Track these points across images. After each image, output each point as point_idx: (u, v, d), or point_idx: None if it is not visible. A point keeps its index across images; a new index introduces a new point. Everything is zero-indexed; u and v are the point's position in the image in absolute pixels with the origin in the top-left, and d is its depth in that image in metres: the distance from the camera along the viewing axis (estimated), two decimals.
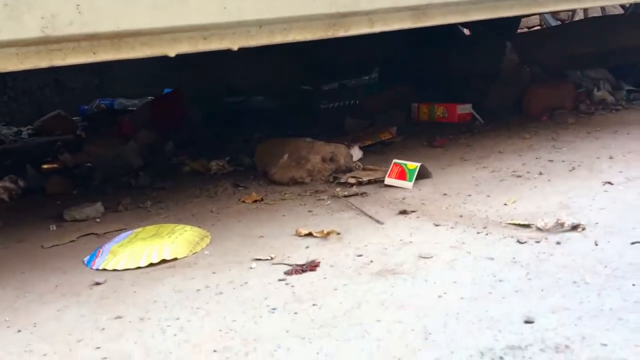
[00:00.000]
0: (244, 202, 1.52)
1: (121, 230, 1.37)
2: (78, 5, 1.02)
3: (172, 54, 1.17)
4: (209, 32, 1.18)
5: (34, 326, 0.94)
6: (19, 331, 0.93)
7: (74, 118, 2.98)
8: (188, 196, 1.62)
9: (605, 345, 0.73)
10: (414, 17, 1.36)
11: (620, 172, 1.42)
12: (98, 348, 0.86)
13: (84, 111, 3.09)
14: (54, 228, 1.46)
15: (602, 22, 2.50)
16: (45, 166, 2.12)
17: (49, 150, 2.36)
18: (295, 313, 0.90)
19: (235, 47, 1.22)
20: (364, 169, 1.65)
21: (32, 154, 2.28)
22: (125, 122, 2.37)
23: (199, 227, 1.32)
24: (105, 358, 0.83)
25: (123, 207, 1.57)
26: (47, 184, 1.82)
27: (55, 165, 2.13)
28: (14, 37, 1.00)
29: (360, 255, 1.09)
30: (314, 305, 0.92)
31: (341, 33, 1.30)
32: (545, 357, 0.72)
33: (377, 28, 1.34)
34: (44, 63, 1.07)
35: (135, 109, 2.84)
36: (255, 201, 1.51)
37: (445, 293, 0.91)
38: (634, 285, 0.88)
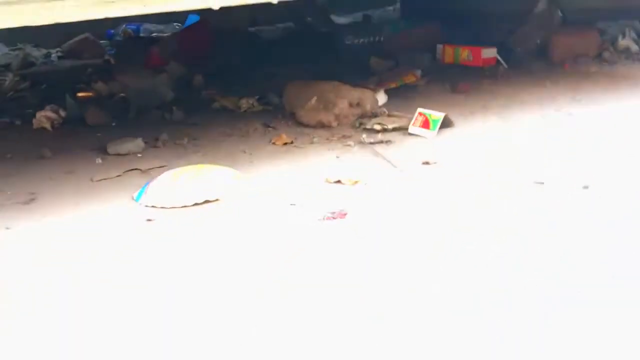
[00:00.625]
0: (274, 143, 1.61)
1: (162, 167, 1.48)
2: None
3: (216, 7, 1.22)
4: None
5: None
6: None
7: (101, 41, 3.02)
8: (221, 134, 1.72)
9: None
10: None
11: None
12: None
13: (111, 35, 3.12)
14: (100, 161, 1.57)
15: None
16: (80, 94, 2.21)
17: (80, 75, 2.43)
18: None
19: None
20: (389, 115, 1.73)
21: (65, 80, 2.35)
22: (155, 53, 2.43)
23: (234, 167, 1.42)
24: None
25: (161, 143, 1.67)
26: (86, 114, 1.92)
27: (91, 94, 2.22)
28: None
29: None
30: None
31: None
32: None
33: None
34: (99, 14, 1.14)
35: (162, 37, 2.88)
36: (285, 144, 1.60)
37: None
38: None
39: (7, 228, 1.22)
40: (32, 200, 1.35)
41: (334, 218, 1.16)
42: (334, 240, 1.08)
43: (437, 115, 1.57)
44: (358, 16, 3.34)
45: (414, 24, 2.49)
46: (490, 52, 2.18)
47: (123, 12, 1.15)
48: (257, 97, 1.96)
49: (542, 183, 1.23)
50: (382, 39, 2.52)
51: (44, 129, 1.88)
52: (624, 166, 1.30)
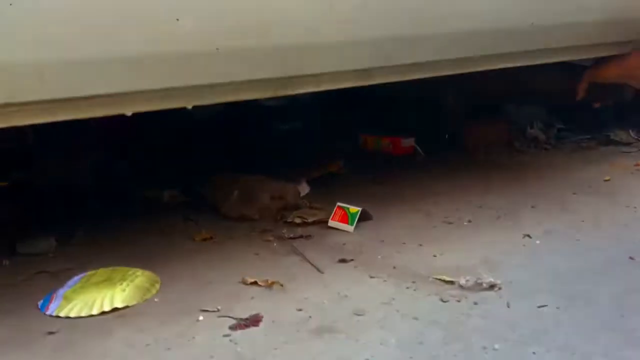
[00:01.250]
0: (194, 239, 1.60)
1: (74, 269, 1.42)
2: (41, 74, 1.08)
3: (128, 113, 1.23)
4: (165, 93, 1.25)
5: None
6: None
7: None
8: (140, 229, 1.69)
9: None
10: (358, 78, 1.46)
11: (540, 223, 1.58)
12: None
13: None
14: (7, 263, 1.50)
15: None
16: None
17: None
18: None
19: (189, 106, 1.30)
20: (310, 207, 1.76)
21: None
22: (77, 141, 2.39)
23: (150, 268, 1.39)
24: None
25: (76, 241, 1.62)
26: None
27: (5, 184, 2.14)
28: None
29: (300, 310, 1.20)
30: None
31: (289, 92, 1.40)
32: None
33: (324, 87, 1.44)
34: (2, 124, 1.12)
35: (86, 124, 2.85)
36: (205, 239, 1.59)
37: (372, 356, 1.03)
38: (534, 353, 1.01)
39: None
40: None
41: (246, 326, 1.14)
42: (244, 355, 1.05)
43: (355, 209, 1.61)
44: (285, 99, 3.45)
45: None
46: (408, 142, 2.28)
47: (32, 120, 1.14)
48: (180, 188, 1.95)
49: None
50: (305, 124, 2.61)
51: None
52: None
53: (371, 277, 1.32)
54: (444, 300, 1.20)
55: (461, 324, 1.11)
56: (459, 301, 1.19)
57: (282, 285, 1.30)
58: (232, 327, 1.14)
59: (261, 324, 1.15)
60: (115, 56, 1.14)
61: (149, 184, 1.99)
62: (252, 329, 1.13)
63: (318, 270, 1.37)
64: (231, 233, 1.63)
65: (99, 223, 1.74)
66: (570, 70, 2.02)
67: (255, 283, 1.31)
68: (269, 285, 1.30)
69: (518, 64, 1.73)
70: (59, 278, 1.39)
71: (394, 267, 1.37)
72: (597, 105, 2.11)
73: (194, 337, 1.11)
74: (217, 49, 1.21)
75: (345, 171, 2.10)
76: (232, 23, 1.21)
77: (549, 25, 1.66)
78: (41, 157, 2.30)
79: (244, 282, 1.32)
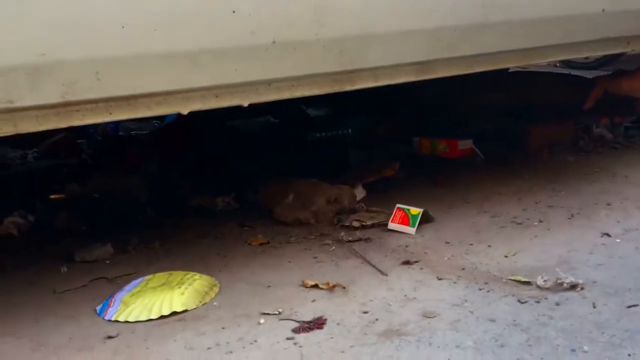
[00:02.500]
0: (250, 244, 1.55)
1: (131, 275, 1.40)
2: (97, 72, 1.06)
3: (185, 112, 1.21)
4: (220, 90, 1.22)
5: None
6: None
7: (79, 141, 3.02)
8: (195, 236, 1.66)
9: None
10: (418, 71, 1.40)
11: (618, 222, 1.46)
12: None
13: (91, 134, 3.12)
14: (65, 270, 1.49)
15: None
16: (52, 196, 2.15)
17: (55, 176, 2.39)
18: None
19: (245, 104, 1.26)
20: (367, 210, 1.69)
21: (39, 182, 2.31)
22: (132, 152, 2.41)
23: (207, 272, 1.35)
24: None
25: (131, 248, 1.60)
26: (56, 218, 1.85)
27: (63, 196, 2.17)
28: (35, 103, 1.04)
29: (366, 312, 1.13)
30: None
31: (347, 87, 1.35)
32: None
33: (382, 82, 1.38)
34: (62, 124, 1.11)
35: (140, 135, 2.88)
36: (262, 244, 1.55)
37: (449, 359, 0.95)
38: (629, 355, 0.91)
39: None
40: None
41: (309, 329, 1.08)
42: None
43: (416, 211, 1.54)
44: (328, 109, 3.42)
45: (375, 119, 2.52)
46: (466, 144, 2.19)
47: (87, 120, 1.12)
48: (233, 194, 1.92)
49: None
50: (349, 131, 2.57)
51: (11, 235, 1.81)
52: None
53: (439, 278, 1.24)
54: (522, 301, 1.11)
55: (544, 326, 1.02)
56: (538, 302, 1.10)
57: (344, 287, 1.23)
58: (295, 330, 1.08)
59: (325, 327, 1.08)
60: (170, 52, 1.11)
61: (202, 192, 1.97)
62: (316, 332, 1.07)
63: (381, 272, 1.30)
64: (287, 237, 1.58)
65: (154, 230, 1.73)
66: (575, 81, 1.95)
67: (316, 286, 1.25)
68: (331, 288, 1.24)
69: (584, 55, 1.64)
70: (116, 283, 1.37)
71: (463, 269, 1.28)
72: (604, 121, 2.07)
73: (255, 341, 1.06)
74: (274, 41, 1.17)
75: (401, 175, 2.03)
76: (288, 14, 1.17)
77: (621, 11, 1.56)
78: (96, 169, 2.33)
79: (305, 285, 1.26)
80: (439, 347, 0.99)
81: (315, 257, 1.42)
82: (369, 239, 1.51)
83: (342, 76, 1.31)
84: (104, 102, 1.12)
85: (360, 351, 0.99)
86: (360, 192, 1.82)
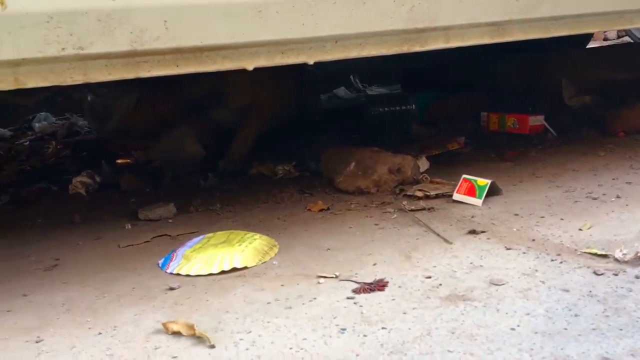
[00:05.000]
0: (310, 210, 1.53)
1: (193, 233, 1.41)
2: (165, 21, 1.06)
3: (250, 67, 1.19)
4: (287, 47, 1.20)
5: (114, 329, 0.99)
6: (100, 333, 0.98)
7: None
8: (255, 200, 1.66)
9: None
10: (492, 33, 1.33)
11: None
12: (174, 357, 0.89)
13: None
14: (129, 227, 1.52)
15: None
16: (119, 161, 2.21)
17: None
18: (365, 335, 0.90)
19: (311, 62, 1.23)
20: (431, 182, 1.64)
21: (106, 147, 2.37)
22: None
23: (267, 234, 1.34)
24: None
25: (194, 209, 1.62)
26: (121, 180, 1.90)
27: (129, 161, 2.22)
28: (105, 50, 1.04)
29: (429, 277, 1.09)
30: (383, 328, 0.92)
31: (417, 48, 1.29)
32: None
33: (454, 43, 1.32)
34: (130, 74, 1.11)
35: None
36: (322, 210, 1.52)
37: (518, 326, 0.90)
38: None
39: (24, 295, 1.15)
40: (55, 266, 1.30)
41: (370, 290, 1.05)
42: (366, 319, 0.96)
43: (483, 182, 1.47)
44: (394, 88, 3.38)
45: (443, 95, 2.46)
46: (537, 120, 2.08)
47: (154, 72, 1.12)
48: (293, 163, 1.91)
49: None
50: (414, 107, 2.52)
51: (79, 194, 1.87)
52: None
53: (507, 248, 1.18)
54: (598, 273, 1.04)
55: (623, 297, 0.95)
56: (616, 274, 1.03)
57: (407, 255, 1.19)
58: (355, 291, 1.05)
59: (386, 289, 1.05)
60: (237, 1, 1.10)
61: (263, 159, 1.97)
62: (377, 294, 1.04)
63: (445, 240, 1.25)
64: (348, 205, 1.55)
65: (216, 194, 1.74)
66: None
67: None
68: (392, 254, 1.20)
69: None
70: (178, 240, 1.38)
71: (533, 240, 1.22)
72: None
73: (315, 298, 1.04)
74: None
75: (467, 149, 1.96)
76: None
77: None
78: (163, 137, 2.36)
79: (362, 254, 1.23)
80: (507, 313, 0.94)
81: (376, 224, 1.39)
82: (432, 208, 1.46)
83: (411, 35, 1.26)
84: (171, 54, 1.12)
85: (422, 314, 0.95)
86: (423, 164, 1.76)
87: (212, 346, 0.90)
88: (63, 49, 1.01)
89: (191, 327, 0.95)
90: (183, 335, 0.95)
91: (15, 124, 3.11)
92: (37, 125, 3.02)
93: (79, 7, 0.99)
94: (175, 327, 0.95)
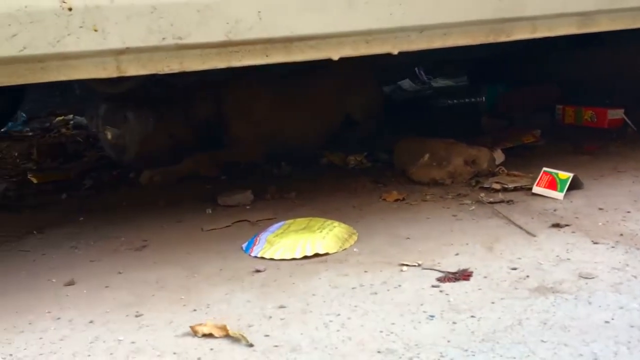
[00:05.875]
0: (384, 200, 1.55)
1: (271, 219, 1.45)
2: (259, 11, 1.09)
3: (335, 57, 1.21)
4: (372, 37, 1.21)
5: (207, 307, 1.04)
6: (194, 310, 1.03)
7: None
8: (329, 189, 1.68)
9: None
10: (579, 23, 1.30)
11: None
12: (267, 335, 0.93)
13: None
14: (210, 212, 1.57)
15: None
16: None
17: None
18: (454, 323, 0.91)
19: (395, 52, 1.24)
20: (507, 174, 1.62)
21: None
22: None
23: (344, 222, 1.36)
24: (276, 346, 0.89)
25: (269, 196, 1.66)
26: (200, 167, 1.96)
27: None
28: (201, 40, 1.09)
29: (515, 269, 1.08)
30: (472, 316, 0.93)
31: (502, 38, 1.28)
32: None
33: (540, 34, 1.30)
34: (222, 64, 1.15)
35: None
36: (397, 200, 1.53)
37: (612, 319, 0.89)
38: None
39: (120, 272, 1.22)
40: (144, 247, 1.36)
41: (455, 279, 1.05)
42: (465, 304, 0.97)
43: (565, 175, 1.44)
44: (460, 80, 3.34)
45: (514, 86, 2.41)
46: (617, 114, 2.02)
47: (245, 62, 1.16)
48: (365, 153, 1.93)
49: None
50: (483, 99, 2.49)
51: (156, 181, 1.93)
52: None
53: (594, 242, 1.16)
54: None
55: None
56: None
57: (489, 246, 1.19)
58: (440, 279, 1.06)
59: (471, 279, 1.05)
60: None
61: (335, 149, 1.99)
62: (463, 283, 1.04)
63: (528, 233, 1.24)
64: (423, 195, 1.55)
65: (289, 182, 1.77)
66: None
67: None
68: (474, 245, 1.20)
69: None
70: (257, 226, 1.42)
71: (621, 234, 1.19)
72: None
73: (400, 285, 1.05)
74: None
75: (542, 142, 1.92)
76: None
77: None
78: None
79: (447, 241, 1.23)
80: (599, 306, 0.92)
81: (454, 215, 1.39)
82: (511, 201, 1.44)
83: (498, 25, 1.25)
84: (261, 44, 1.15)
85: (512, 304, 0.95)
86: (499, 156, 1.74)
87: (250, 345, 0.89)
88: (163, 38, 1.06)
89: (222, 328, 0.94)
90: (272, 317, 0.98)
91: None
92: None
93: None
94: (205, 330, 0.94)
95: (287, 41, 1.16)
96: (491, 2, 1.19)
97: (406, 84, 3.54)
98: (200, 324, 0.95)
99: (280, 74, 2.04)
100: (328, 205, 1.55)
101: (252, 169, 1.95)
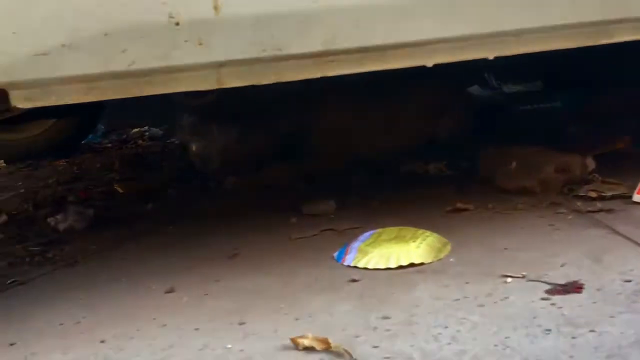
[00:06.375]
0: (471, 209, 1.51)
1: (357, 228, 1.44)
2: (358, 20, 1.09)
3: (429, 64, 1.19)
4: (468, 42, 1.19)
5: (310, 316, 1.03)
6: (297, 319, 1.03)
7: None
8: (412, 198, 1.66)
9: None
10: None
11: None
12: (375, 347, 0.91)
13: None
14: (294, 220, 1.58)
15: None
16: None
17: None
18: (573, 337, 0.87)
19: (491, 57, 1.21)
20: (602, 182, 1.55)
21: None
22: None
23: (434, 231, 1.34)
24: (387, 358, 0.88)
25: (352, 204, 1.65)
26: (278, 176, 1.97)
27: None
28: (300, 51, 1.09)
29: (629, 281, 1.03)
30: (591, 331, 0.89)
31: (603, 40, 1.23)
32: None
33: None
34: (317, 74, 1.16)
35: None
36: (487, 209, 1.49)
37: None
38: None
39: (217, 280, 1.24)
40: (236, 255, 1.38)
41: (566, 292, 1.01)
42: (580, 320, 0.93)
43: None
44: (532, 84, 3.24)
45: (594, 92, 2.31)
46: None
47: (339, 71, 1.16)
48: (444, 162, 1.89)
49: None
50: (559, 104, 2.41)
51: (235, 189, 1.96)
52: None
53: None
54: None
55: None
56: None
57: (596, 257, 1.14)
58: (549, 292, 1.02)
59: (584, 292, 1.01)
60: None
61: (413, 158, 1.97)
62: (575, 296, 1.00)
63: (636, 243, 1.18)
64: (513, 205, 1.50)
65: (369, 191, 1.76)
66: None
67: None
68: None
69: None
70: (345, 235, 1.42)
71: None
72: None
73: (507, 297, 1.02)
74: None
75: (634, 149, 1.83)
76: None
77: None
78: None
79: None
80: None
81: (551, 225, 1.34)
82: (611, 210, 1.38)
83: (600, 27, 1.20)
84: (357, 53, 1.14)
85: (633, 319, 0.91)
86: (590, 163, 1.67)
87: None
88: (263, 50, 1.07)
89: (324, 341, 0.91)
90: (377, 328, 0.96)
91: (165, 124, 3.35)
92: None
93: (283, 9, 1.04)
94: (306, 342, 0.91)
95: (382, 49, 1.15)
96: (596, 3, 1.14)
97: (475, 90, 3.47)
98: (302, 337, 0.94)
99: (361, 86, 2.04)
100: (413, 214, 1.52)
101: (332, 179, 1.95)
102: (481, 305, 1.00)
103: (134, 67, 1.04)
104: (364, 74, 2.06)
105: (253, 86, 1.29)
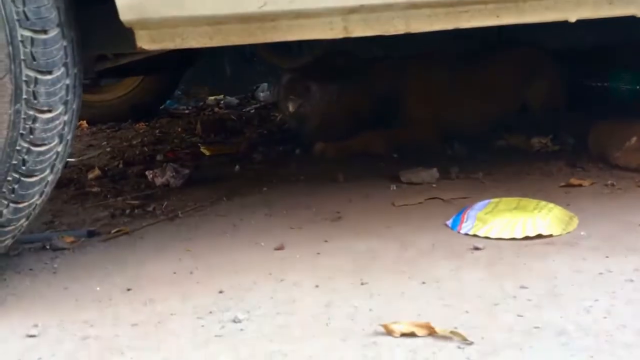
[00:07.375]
0: (586, 185, 1.41)
1: (465, 198, 1.36)
2: None
3: (573, 19, 1.09)
4: None
5: (437, 282, 0.97)
6: (424, 283, 0.97)
7: None
8: (518, 171, 1.57)
9: None
10: None
11: None
12: (520, 316, 0.84)
13: None
14: (394, 188, 1.51)
15: None
16: None
17: None
18: None
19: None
20: None
21: None
22: None
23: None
24: (537, 327, 0.81)
25: (454, 175, 1.57)
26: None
27: None
28: None
29: None
30: None
31: None
32: None
33: None
34: (450, 25, 1.08)
35: None
36: (606, 185, 1.39)
37: None
38: None
39: (326, 241, 1.19)
40: (339, 218, 1.33)
41: None
42: None
43: None
44: None
45: None
46: None
47: (474, 23, 1.08)
48: (550, 136, 1.78)
49: None
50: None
51: (322, 156, 1.90)
52: None
53: None
54: None
55: None
56: None
57: None
58: None
59: None
60: None
61: (512, 132, 1.86)
62: None
63: None
64: (636, 182, 1.39)
65: (470, 163, 1.67)
66: None
67: None
68: None
69: None
70: (452, 204, 1.34)
71: None
72: None
73: None
74: None
75: None
76: None
77: None
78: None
79: None
80: None
81: None
82: None
83: None
84: (492, 3, 1.06)
85: None
86: None
87: (470, 343, 0.78)
88: None
89: (426, 326, 0.80)
90: (517, 297, 0.89)
91: (240, 93, 3.33)
92: (261, 94, 3.20)
93: None
94: (403, 329, 0.80)
95: (520, 0, 1.06)
96: None
97: None
98: (395, 322, 0.82)
99: (458, 55, 1.95)
100: (524, 186, 1.43)
101: (425, 149, 1.87)
102: (630, 280, 0.92)
103: (264, 9, 0.99)
104: (460, 42, 1.97)
105: (351, 50, 1.20)
